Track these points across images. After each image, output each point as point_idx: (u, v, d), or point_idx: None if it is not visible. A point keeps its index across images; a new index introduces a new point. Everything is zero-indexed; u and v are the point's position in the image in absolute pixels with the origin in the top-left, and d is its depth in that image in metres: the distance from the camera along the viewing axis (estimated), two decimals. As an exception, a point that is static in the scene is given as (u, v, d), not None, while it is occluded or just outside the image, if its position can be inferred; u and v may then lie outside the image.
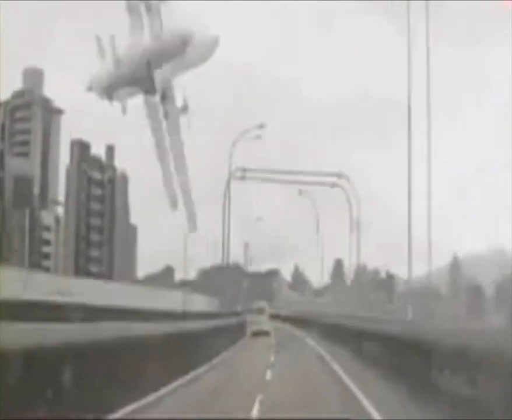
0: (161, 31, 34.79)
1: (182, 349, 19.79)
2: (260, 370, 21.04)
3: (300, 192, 59.35)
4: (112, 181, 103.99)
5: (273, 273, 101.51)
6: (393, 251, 77.35)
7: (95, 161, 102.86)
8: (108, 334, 13.13)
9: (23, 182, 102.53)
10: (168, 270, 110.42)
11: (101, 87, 36.70)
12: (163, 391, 15.32)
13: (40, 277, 32.41)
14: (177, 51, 34.56)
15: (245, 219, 78.52)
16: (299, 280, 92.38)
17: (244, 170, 48.68)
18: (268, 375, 19.77)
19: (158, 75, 35.37)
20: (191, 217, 38.70)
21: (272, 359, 26.07)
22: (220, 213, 47.90)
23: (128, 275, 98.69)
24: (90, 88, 37.63)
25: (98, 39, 36.95)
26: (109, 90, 36.18)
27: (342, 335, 33.16)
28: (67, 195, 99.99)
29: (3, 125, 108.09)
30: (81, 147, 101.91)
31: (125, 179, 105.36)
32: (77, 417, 9.09)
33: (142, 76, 34.96)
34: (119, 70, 35.33)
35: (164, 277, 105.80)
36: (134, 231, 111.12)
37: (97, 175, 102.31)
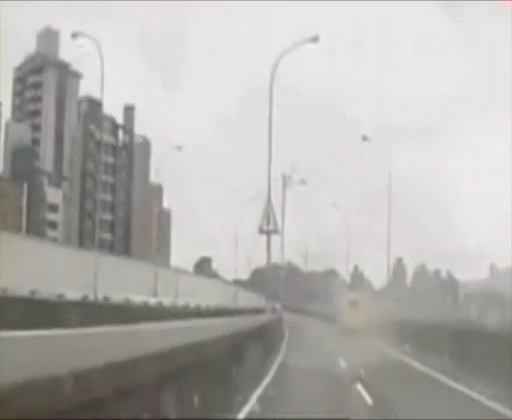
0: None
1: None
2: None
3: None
4: (128, 147, 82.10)
5: (330, 273, 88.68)
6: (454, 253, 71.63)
7: (107, 122, 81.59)
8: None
9: (22, 154, 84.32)
10: (204, 262, 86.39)
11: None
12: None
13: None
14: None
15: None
16: (358, 280, 77.50)
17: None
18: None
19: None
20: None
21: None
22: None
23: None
24: None
25: None
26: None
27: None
28: (71, 164, 79.26)
29: (13, 94, 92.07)
30: (90, 105, 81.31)
31: (146, 145, 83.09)
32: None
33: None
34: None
35: (199, 269, 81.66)
36: (167, 216, 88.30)
37: (108, 138, 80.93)
